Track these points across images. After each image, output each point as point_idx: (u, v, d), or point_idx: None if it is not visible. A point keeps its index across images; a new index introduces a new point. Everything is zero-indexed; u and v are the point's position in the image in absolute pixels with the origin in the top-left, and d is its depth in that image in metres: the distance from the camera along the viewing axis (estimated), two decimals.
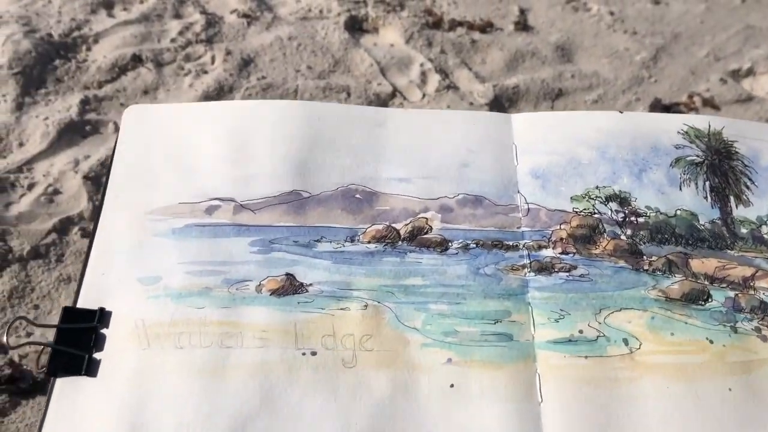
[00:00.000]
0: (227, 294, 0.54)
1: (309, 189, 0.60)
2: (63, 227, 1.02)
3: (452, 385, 0.51)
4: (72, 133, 1.10)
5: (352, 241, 0.58)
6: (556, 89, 1.17)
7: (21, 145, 1.10)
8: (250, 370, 0.51)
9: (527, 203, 0.60)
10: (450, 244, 0.58)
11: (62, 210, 1.04)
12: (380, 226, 0.58)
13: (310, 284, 0.55)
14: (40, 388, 0.82)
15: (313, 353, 0.52)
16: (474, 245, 0.58)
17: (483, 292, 0.55)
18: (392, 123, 0.63)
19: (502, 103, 1.13)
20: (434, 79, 1.16)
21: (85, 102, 1.15)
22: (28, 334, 0.89)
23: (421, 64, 1.20)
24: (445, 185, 0.60)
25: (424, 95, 1.14)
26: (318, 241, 0.57)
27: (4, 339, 0.53)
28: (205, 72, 1.18)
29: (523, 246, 0.58)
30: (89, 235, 0.97)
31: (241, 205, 0.59)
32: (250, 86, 1.15)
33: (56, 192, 1.05)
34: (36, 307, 0.94)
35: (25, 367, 0.85)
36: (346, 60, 1.21)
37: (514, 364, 0.52)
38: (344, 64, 1.20)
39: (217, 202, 0.59)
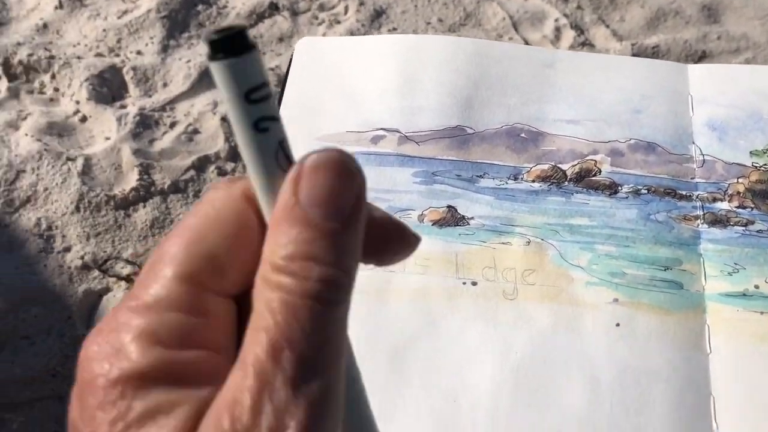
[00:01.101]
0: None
1: (473, 125, 0.60)
2: (201, 165, 1.07)
3: (618, 324, 0.50)
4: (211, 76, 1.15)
5: (516, 179, 0.57)
6: (699, 51, 1.11)
7: (165, 85, 1.16)
8: (412, 295, 0.52)
9: (702, 155, 0.58)
10: (620, 188, 0.56)
11: (201, 149, 1.08)
12: (546, 166, 0.57)
13: (472, 218, 0.55)
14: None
15: (474, 283, 0.52)
16: (645, 191, 0.56)
17: (654, 238, 0.54)
18: (561, 64, 0.62)
19: None
20: (569, 35, 1.13)
21: None
22: None
23: (556, 20, 1.16)
24: (616, 129, 0.59)
25: None
26: (480, 176, 0.57)
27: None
28: (338, 22, 1.19)
29: (697, 197, 0.56)
30: (225, 174, 1.02)
31: (405, 136, 0.59)
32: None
33: (195, 131, 1.10)
34: None
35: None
36: (478, 13, 1.19)
37: (683, 313, 0.50)
38: (475, 17, 1.19)
39: (382, 132, 0.59)
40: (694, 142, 0.58)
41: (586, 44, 1.11)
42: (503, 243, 0.54)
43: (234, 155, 1.06)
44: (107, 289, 0.97)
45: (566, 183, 0.57)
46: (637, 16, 1.17)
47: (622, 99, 0.60)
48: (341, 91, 0.62)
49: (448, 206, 0.56)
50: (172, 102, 1.14)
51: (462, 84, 0.61)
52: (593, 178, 0.57)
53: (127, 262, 0.98)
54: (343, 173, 0.21)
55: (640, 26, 1.15)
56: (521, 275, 0.52)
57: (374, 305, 0.52)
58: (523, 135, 0.59)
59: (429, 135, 0.59)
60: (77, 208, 1.01)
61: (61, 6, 1.24)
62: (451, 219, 0.55)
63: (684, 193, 0.56)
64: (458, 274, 0.53)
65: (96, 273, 0.97)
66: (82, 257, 0.98)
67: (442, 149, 0.58)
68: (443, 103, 0.60)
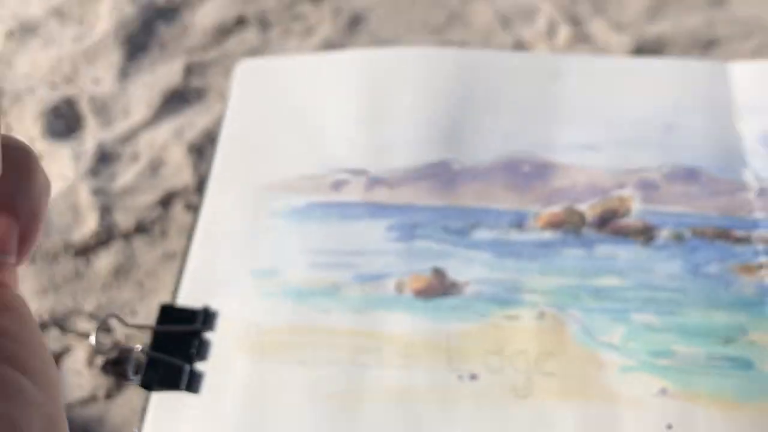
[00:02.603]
0: (360, 294, 0.42)
1: (460, 159, 0.47)
2: (167, 201, 0.96)
3: (670, 426, 0.37)
4: (176, 101, 1.04)
5: (520, 227, 0.44)
6: (706, 38, 0.98)
7: (126, 113, 1.06)
8: (393, 398, 0.39)
9: (758, 179, 0.45)
10: (656, 232, 0.43)
11: (167, 183, 0.98)
12: (558, 209, 0.44)
13: (466, 283, 0.42)
14: None
15: (473, 377, 0.39)
16: (690, 235, 0.43)
17: (706, 299, 0.40)
18: (570, 73, 0.49)
19: (644, 55, 0.97)
20: (564, 31, 1.00)
21: (188, 68, 1.09)
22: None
23: (549, 14, 1.03)
24: (645, 154, 0.46)
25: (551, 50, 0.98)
26: (474, 226, 0.44)
27: (93, 340, 0.43)
28: (313, 32, 1.07)
29: (758, 239, 0.43)
30: (194, 209, 0.90)
31: (375, 178, 0.46)
32: (359, 46, 1.03)
33: (160, 163, 1.00)
34: (140, 284, 0.89)
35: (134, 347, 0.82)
36: (464, 13, 1.07)
37: (758, 404, 0.37)
38: (461, 17, 1.07)
39: (345, 176, 0.47)
40: (746, 165, 0.45)
41: (583, 39, 0.99)
42: (509, 316, 0.41)
43: (201, 187, 0.95)
44: (67, 349, 0.87)
45: (586, 230, 0.44)
46: (637, 3, 1.05)
47: (649, 113, 0.47)
48: (291, 124, 0.49)
49: (435, 269, 0.43)
50: (134, 132, 1.03)
51: (444, 107, 0.48)
52: (621, 221, 0.44)
53: (90, 316, 0.88)
54: None
55: (641, 14, 1.02)
56: (535, 362, 0.39)
57: (343, 413, 0.39)
58: (526, 168, 0.46)
59: (405, 175, 0.46)
60: (32, 259, 0.90)
61: (11, 35, 1.13)
62: (440, 287, 0.42)
63: (741, 234, 0.43)
64: (452, 365, 0.40)
65: (54, 332, 0.87)
66: (38, 315, 0.88)
67: (422, 193, 0.46)
68: (420, 132, 0.48)
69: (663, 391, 0.38)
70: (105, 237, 0.94)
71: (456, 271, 0.43)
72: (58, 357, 0.86)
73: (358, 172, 0.47)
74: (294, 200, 0.46)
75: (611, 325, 0.40)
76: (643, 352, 0.39)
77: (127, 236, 0.95)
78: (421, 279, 0.43)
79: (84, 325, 0.89)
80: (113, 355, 0.84)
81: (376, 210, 0.45)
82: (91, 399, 0.82)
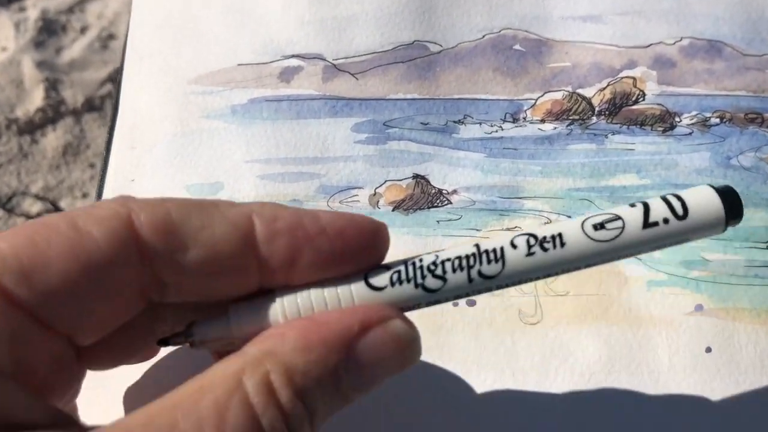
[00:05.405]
0: (328, 210, 0.34)
1: (439, 39, 0.38)
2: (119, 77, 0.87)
3: (709, 349, 0.31)
4: None
5: (515, 120, 0.36)
6: None
7: None
8: None
9: None
10: (677, 118, 0.36)
11: (118, 57, 0.89)
12: (559, 95, 0.37)
13: (454, 191, 0.35)
14: None
15: (470, 302, 0.32)
16: (717, 120, 0.36)
17: (742, 196, 0.34)
18: None
19: None
20: None
21: None
22: None
23: None
24: (659, 25, 0.38)
25: None
26: (460, 122, 0.36)
27: None
28: None
29: None
30: None
31: (334, 65, 0.37)
32: None
33: (111, 37, 0.89)
34: (91, 165, 0.80)
35: None
36: None
37: None
38: None
39: (297, 62, 0.38)
40: None
41: None
42: (508, 228, 0.34)
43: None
44: None
45: (594, 119, 0.36)
46: None
47: None
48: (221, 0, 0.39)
49: (415, 176, 0.35)
50: (82, 2, 0.91)
51: None
52: (635, 106, 0.36)
53: (37, 197, 0.80)
54: (406, 365, 0.22)
55: None
56: (544, 281, 0.33)
57: None
58: (518, 47, 0.38)
59: (371, 61, 0.38)
60: None
61: None
62: (423, 197, 0.35)
63: None
64: None
65: (0, 212, 0.78)
66: None
67: (394, 82, 0.37)
68: (389, 6, 0.38)
69: (699, 308, 0.32)
70: (52, 114, 0.85)
71: (441, 177, 0.35)
72: None
73: (311, 58, 0.38)
74: (233, 96, 0.37)
75: None
76: (673, 262, 0.33)
77: (76, 113, 0.86)
78: (399, 188, 0.35)
79: (31, 206, 0.82)
80: None
81: (339, 105, 0.37)
82: None
